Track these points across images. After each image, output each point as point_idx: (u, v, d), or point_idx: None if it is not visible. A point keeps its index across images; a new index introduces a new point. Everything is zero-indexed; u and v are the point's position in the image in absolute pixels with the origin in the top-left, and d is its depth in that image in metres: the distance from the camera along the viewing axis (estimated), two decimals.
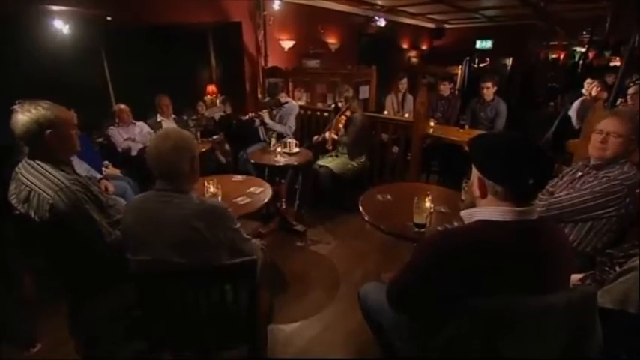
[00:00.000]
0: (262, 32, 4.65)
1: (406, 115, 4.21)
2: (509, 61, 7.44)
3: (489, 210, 0.95)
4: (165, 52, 4.66)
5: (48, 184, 1.39)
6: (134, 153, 3.55)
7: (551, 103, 6.93)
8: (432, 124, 3.76)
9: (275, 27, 4.96)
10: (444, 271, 0.94)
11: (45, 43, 3.48)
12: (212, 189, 2.12)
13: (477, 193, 0.99)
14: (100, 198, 1.58)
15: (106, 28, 3.98)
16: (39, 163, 1.43)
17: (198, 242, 1.20)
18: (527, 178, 0.89)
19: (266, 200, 2.06)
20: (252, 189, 2.20)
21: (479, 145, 1.03)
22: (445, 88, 4.23)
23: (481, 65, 7.28)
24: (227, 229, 1.27)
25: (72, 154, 1.58)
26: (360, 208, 1.97)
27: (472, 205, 1.05)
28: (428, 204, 1.74)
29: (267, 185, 2.28)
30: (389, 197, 2.05)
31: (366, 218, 1.87)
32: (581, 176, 1.66)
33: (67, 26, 3.42)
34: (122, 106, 3.67)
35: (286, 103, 3.68)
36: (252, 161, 2.92)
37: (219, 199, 1.86)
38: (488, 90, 3.74)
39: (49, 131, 1.40)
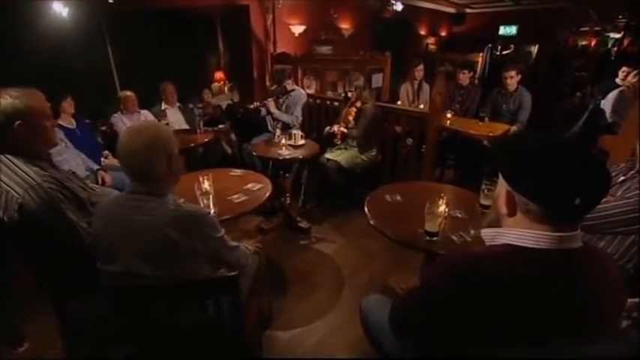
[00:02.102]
0: (271, 16, 4.42)
1: (421, 107, 3.95)
2: (534, 49, 6.96)
3: (519, 232, 0.76)
4: (171, 37, 4.50)
5: (17, 182, 1.26)
6: None
7: (578, 94, 6.53)
8: (448, 115, 3.52)
9: (285, 11, 4.72)
10: (457, 306, 0.75)
11: (44, 27, 3.36)
12: (206, 185, 1.98)
13: (503, 209, 0.79)
14: (80, 195, 1.45)
15: (108, 11, 3.83)
16: (8, 157, 1.30)
17: (173, 253, 1.05)
18: (573, 197, 0.68)
19: (264, 198, 1.89)
20: (250, 185, 2.04)
21: (509, 148, 0.82)
22: (464, 77, 3.94)
23: (504, 53, 6.84)
24: (207, 239, 1.12)
25: (48, 148, 1.45)
26: (366, 209, 1.79)
27: (496, 223, 0.85)
28: (442, 208, 1.54)
29: (267, 181, 2.12)
30: (398, 198, 1.86)
31: (372, 222, 1.69)
32: (624, 181, 1.43)
33: (67, 10, 3.27)
34: (128, 93, 3.55)
35: (293, 90, 3.49)
36: (255, 154, 2.75)
37: (211, 199, 1.70)
38: (512, 79, 3.44)
39: (18, 122, 1.27)
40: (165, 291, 1.06)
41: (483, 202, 1.72)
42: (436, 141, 3.10)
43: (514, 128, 3.45)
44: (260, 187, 2.03)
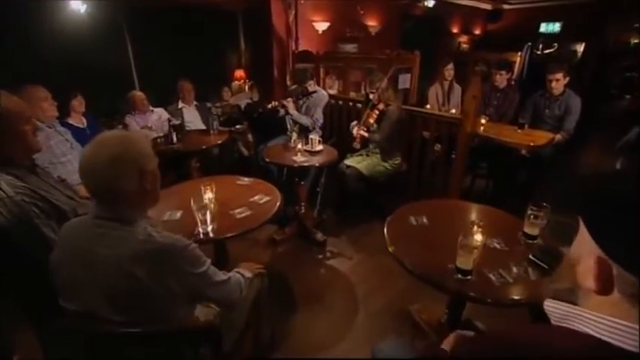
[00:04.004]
0: (293, 12, 4.21)
1: (453, 111, 3.62)
2: (580, 47, 6.36)
3: (612, 323, 0.50)
4: (192, 33, 4.40)
5: None
6: None
7: (628, 96, 5.94)
8: (483, 121, 3.18)
9: (308, 7, 4.50)
10: None
11: (60, 24, 3.30)
12: (208, 195, 1.80)
13: (589, 283, 0.53)
14: (62, 207, 1.31)
15: (128, 8, 3.76)
16: None
17: (140, 295, 0.86)
18: None
19: (270, 214, 1.68)
20: (257, 197, 1.84)
21: (607, 191, 0.56)
22: (502, 79, 3.57)
23: (546, 52, 6.29)
24: (184, 276, 0.92)
25: (27, 154, 1.30)
26: (385, 233, 1.54)
27: (571, 292, 0.59)
28: (478, 240, 1.28)
29: (277, 193, 1.91)
30: (424, 220, 1.59)
31: (391, 249, 1.44)
32: None
33: (85, 6, 3.20)
34: (137, 93, 3.46)
35: (315, 92, 3.26)
36: (267, 160, 2.54)
37: (208, 214, 1.51)
38: (558, 82, 3.06)
39: None
40: (132, 339, 0.87)
41: (528, 230, 1.43)
42: (468, 149, 2.79)
43: (558, 137, 3.07)
44: (267, 200, 1.82)
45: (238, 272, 1.31)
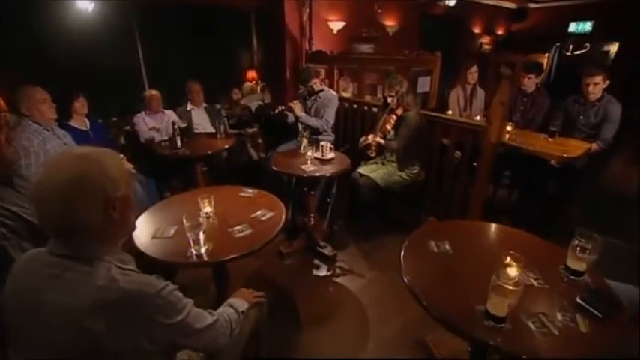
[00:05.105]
0: (307, 11, 4.04)
1: (477, 118, 3.37)
2: (613, 48, 5.95)
3: None
4: (204, 33, 4.29)
5: None
6: None
7: None
8: (508, 128, 2.92)
9: (323, 5, 4.31)
10: None
11: (67, 24, 3.21)
12: (207, 209, 1.65)
13: None
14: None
15: (138, 6, 3.67)
16: None
17: (98, 354, 0.69)
18: None
19: (273, 234, 1.51)
20: (259, 212, 1.67)
21: None
22: (530, 82, 3.29)
23: (576, 53, 5.91)
24: (156, 328, 0.75)
25: (1, 166, 1.17)
26: (402, 259, 1.35)
27: None
28: (513, 275, 1.07)
29: (282, 207, 1.73)
30: (447, 247, 1.39)
31: (406, 279, 1.25)
32: None
33: (92, 5, 3.12)
34: (153, 92, 3.36)
35: (321, 91, 3.08)
36: (275, 168, 2.37)
37: (201, 234, 1.35)
38: (596, 87, 2.77)
39: None
40: None
41: (572, 265, 1.21)
42: (493, 160, 2.55)
43: (594, 147, 2.79)
44: (270, 216, 1.65)
45: (231, 306, 1.14)
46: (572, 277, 1.20)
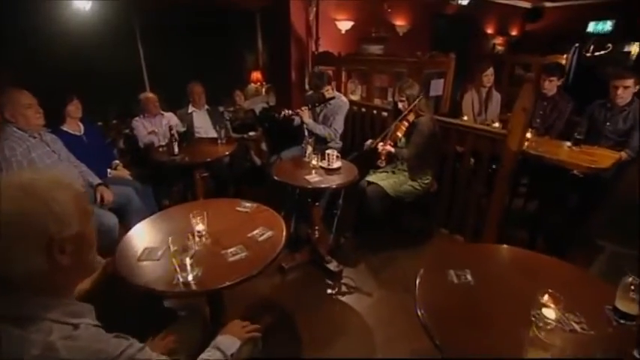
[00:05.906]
0: (314, 10, 3.87)
1: (495, 125, 3.16)
2: (634, 48, 5.65)
3: None
4: (207, 33, 4.15)
5: None
6: None
7: None
8: (528, 135, 2.71)
9: (330, 4, 4.14)
10: None
11: (63, 25, 3.10)
12: (200, 226, 1.49)
13: None
14: None
15: (138, 6, 3.55)
16: None
17: None
18: None
19: (271, 258, 1.34)
20: (256, 231, 1.50)
21: None
22: (551, 86, 3.08)
23: (596, 54, 5.63)
24: None
25: None
26: (417, 290, 1.17)
27: None
28: (551, 318, 0.89)
29: (282, 225, 1.56)
30: (469, 277, 1.20)
31: (421, 314, 1.08)
32: None
33: (89, 4, 2.99)
34: (149, 94, 3.24)
35: (333, 98, 2.91)
36: (276, 178, 2.20)
37: (188, 260, 1.19)
38: (626, 90, 2.55)
39: None
40: None
41: (623, 307, 1.02)
42: (512, 171, 2.36)
43: (623, 155, 2.57)
44: (269, 235, 1.48)
45: (218, 349, 0.98)
46: (622, 321, 1.01)
